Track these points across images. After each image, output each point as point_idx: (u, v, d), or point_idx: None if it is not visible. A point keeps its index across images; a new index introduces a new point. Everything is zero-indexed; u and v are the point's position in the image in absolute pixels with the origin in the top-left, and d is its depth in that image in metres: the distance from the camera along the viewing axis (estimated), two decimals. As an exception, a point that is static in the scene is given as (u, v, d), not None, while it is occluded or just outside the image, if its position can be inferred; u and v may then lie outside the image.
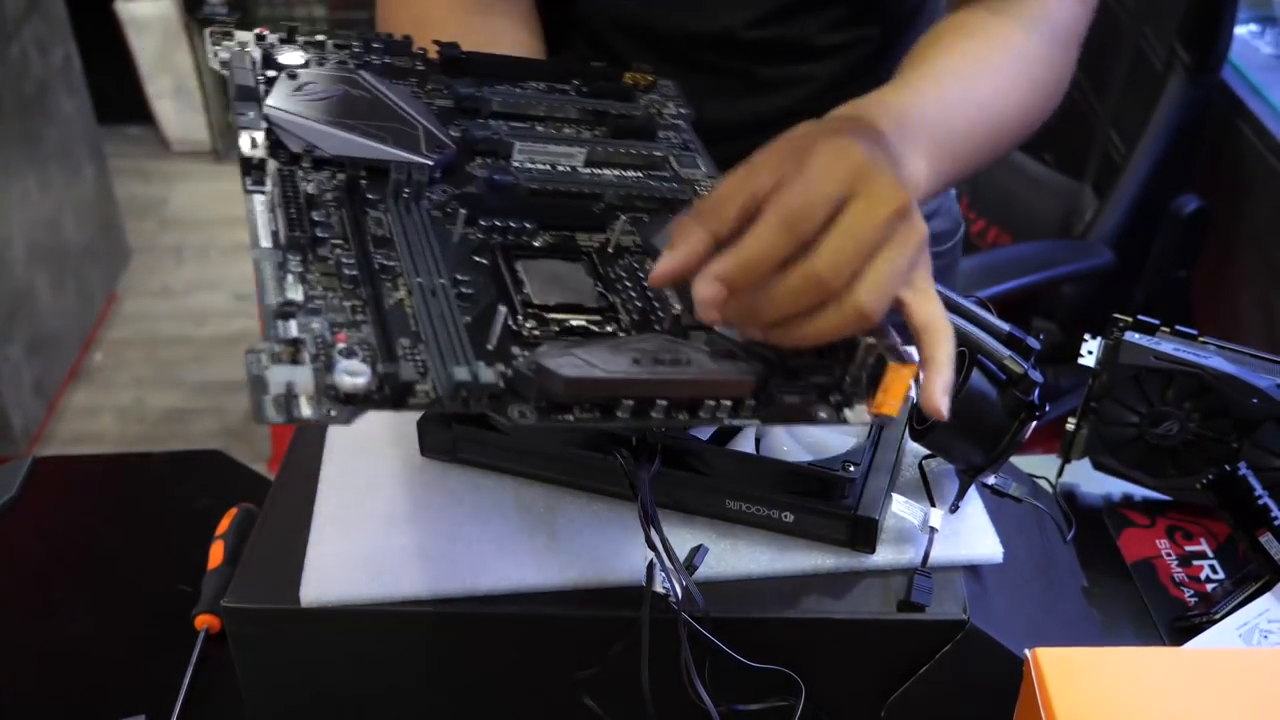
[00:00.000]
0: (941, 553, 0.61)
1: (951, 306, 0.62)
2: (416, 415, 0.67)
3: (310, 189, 0.57)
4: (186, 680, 0.71)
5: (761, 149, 0.56)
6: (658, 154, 0.67)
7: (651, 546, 0.57)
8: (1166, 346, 0.75)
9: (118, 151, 2.94)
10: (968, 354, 0.62)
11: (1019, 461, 0.78)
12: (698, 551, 0.60)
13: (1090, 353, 0.77)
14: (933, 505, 0.63)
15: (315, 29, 0.70)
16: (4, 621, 0.78)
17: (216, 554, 0.77)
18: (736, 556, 0.61)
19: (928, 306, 0.55)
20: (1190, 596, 0.73)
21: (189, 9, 2.92)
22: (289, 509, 0.65)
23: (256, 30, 0.68)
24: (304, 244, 0.54)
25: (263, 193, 0.56)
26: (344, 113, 0.62)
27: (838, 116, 0.61)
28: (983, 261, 1.64)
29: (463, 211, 0.58)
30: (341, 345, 0.48)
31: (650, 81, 0.75)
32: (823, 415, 0.54)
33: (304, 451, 0.69)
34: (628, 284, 0.58)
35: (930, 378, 0.54)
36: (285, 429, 0.70)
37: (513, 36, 0.79)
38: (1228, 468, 0.70)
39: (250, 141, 0.58)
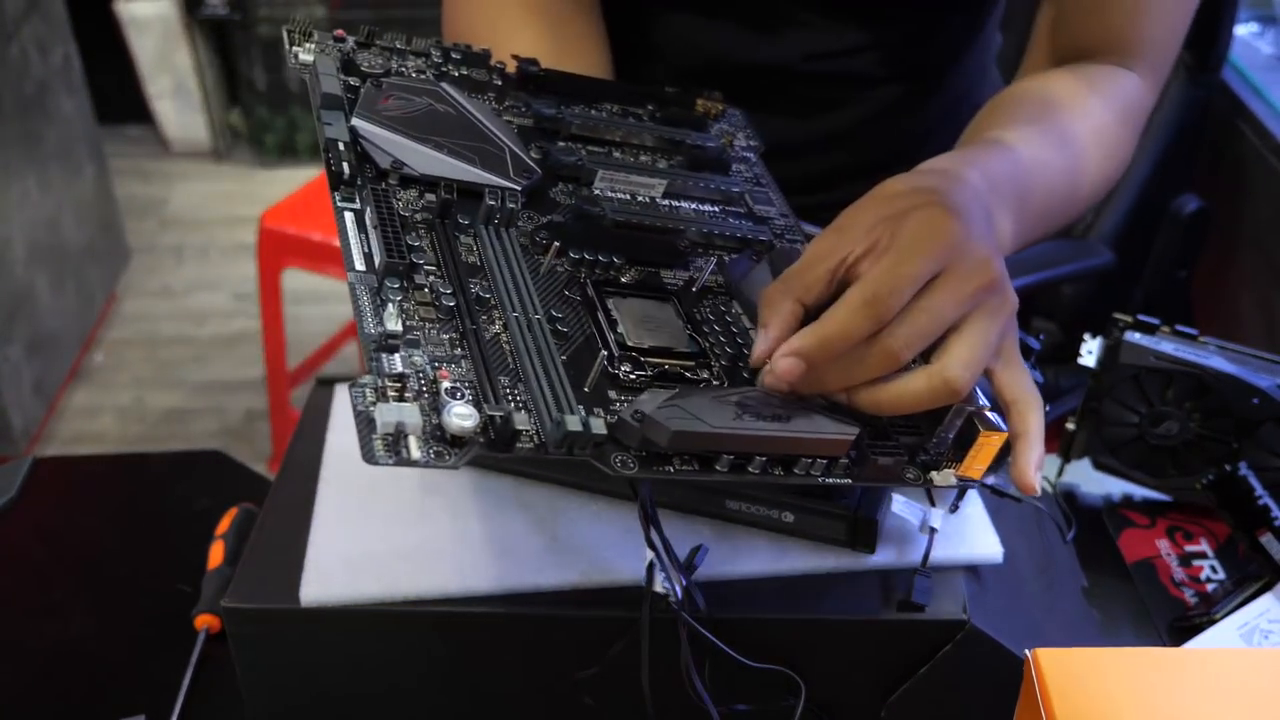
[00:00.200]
0: (941, 553, 0.61)
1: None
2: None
3: (400, 209, 0.56)
4: (186, 680, 0.71)
5: (851, 208, 0.55)
6: (734, 190, 0.67)
7: (651, 546, 0.57)
8: (1166, 346, 0.75)
9: (118, 151, 2.94)
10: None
11: (1019, 461, 0.78)
12: (698, 551, 0.60)
13: (1090, 353, 0.77)
14: (933, 505, 0.63)
15: (392, 34, 0.67)
16: (4, 621, 0.78)
17: (216, 554, 0.77)
18: (736, 556, 0.61)
19: (1017, 378, 0.55)
20: (1190, 596, 0.73)
21: (189, 9, 2.92)
22: (289, 509, 0.65)
23: (335, 32, 0.65)
24: (401, 270, 0.52)
25: (354, 209, 0.54)
26: (430, 129, 0.59)
27: (932, 171, 0.59)
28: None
29: (556, 244, 0.57)
30: (446, 383, 0.47)
31: (720, 110, 0.74)
32: (910, 477, 0.54)
33: (304, 451, 0.69)
34: (716, 328, 0.58)
35: (1022, 451, 0.54)
36: (285, 429, 0.70)
37: (586, 57, 0.78)
38: (1228, 468, 0.70)
39: (340, 153, 0.56)
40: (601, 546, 0.62)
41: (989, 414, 0.54)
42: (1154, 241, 1.68)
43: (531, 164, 0.61)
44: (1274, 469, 0.73)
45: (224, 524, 0.79)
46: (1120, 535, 0.78)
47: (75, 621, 0.77)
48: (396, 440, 0.44)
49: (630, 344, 0.54)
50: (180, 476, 0.91)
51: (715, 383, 0.54)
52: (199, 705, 0.70)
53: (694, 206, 0.65)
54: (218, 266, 2.78)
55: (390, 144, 0.58)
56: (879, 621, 0.59)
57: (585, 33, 0.79)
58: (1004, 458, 0.55)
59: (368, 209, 0.54)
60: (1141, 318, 0.76)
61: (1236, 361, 0.74)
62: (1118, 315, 0.76)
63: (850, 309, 0.51)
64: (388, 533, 0.63)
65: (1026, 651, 0.53)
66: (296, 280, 1.98)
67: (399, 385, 0.46)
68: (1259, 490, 0.69)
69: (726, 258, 0.62)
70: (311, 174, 2.46)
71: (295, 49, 0.64)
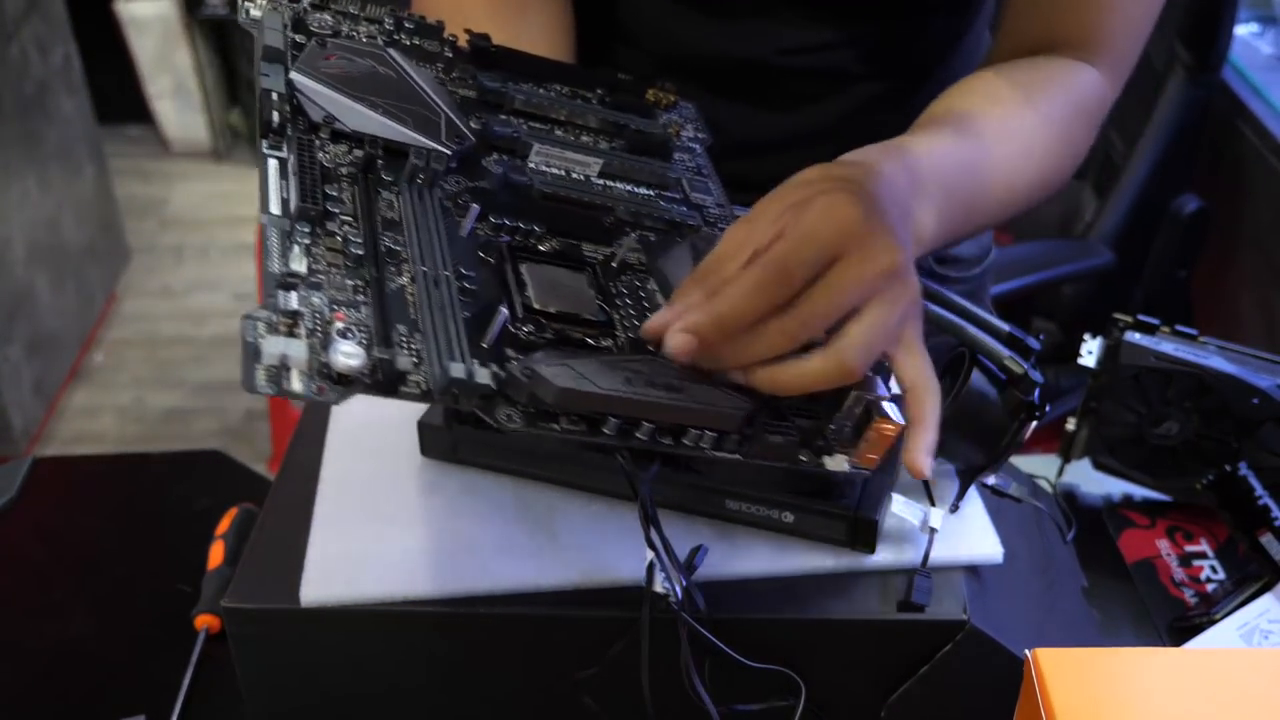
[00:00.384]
0: (941, 553, 0.61)
1: (951, 306, 0.62)
2: (414, 413, 0.67)
3: (325, 161, 0.57)
4: (186, 680, 0.71)
5: (765, 198, 0.56)
6: (671, 175, 0.67)
7: (651, 546, 0.57)
8: (1166, 346, 0.75)
9: (118, 151, 2.94)
10: (968, 354, 0.62)
11: (1019, 461, 0.78)
12: (698, 551, 0.60)
13: (1090, 353, 0.77)
14: (933, 505, 0.63)
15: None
16: (4, 621, 0.78)
17: (216, 554, 0.77)
18: (736, 556, 0.61)
19: (916, 364, 0.55)
20: (1190, 596, 0.73)
21: (189, 9, 2.92)
22: (289, 509, 0.65)
23: None
24: (314, 216, 0.53)
25: (279, 157, 0.56)
26: (368, 89, 0.61)
27: (847, 162, 0.60)
28: (983, 261, 1.64)
29: (475, 206, 0.58)
30: (340, 324, 0.48)
31: (672, 101, 0.74)
32: (803, 459, 0.55)
33: (304, 451, 0.69)
34: (628, 301, 0.58)
35: (915, 437, 0.55)
36: (285, 429, 0.70)
37: (545, 39, 0.78)
38: (1228, 468, 0.70)
39: (272, 103, 0.57)
40: (601, 546, 0.62)
41: (886, 404, 0.55)
42: (1154, 241, 1.68)
43: (466, 132, 0.62)
44: (1274, 469, 0.73)
45: (224, 524, 0.79)
46: (1120, 535, 0.78)
47: (75, 621, 0.77)
48: (279, 372, 0.45)
49: (536, 307, 0.55)
50: (180, 476, 0.91)
51: (617, 352, 0.55)
52: (199, 705, 0.70)
53: (628, 188, 0.65)
54: (218, 266, 2.78)
55: (325, 99, 0.59)
56: (879, 621, 0.59)
57: (548, 18, 0.79)
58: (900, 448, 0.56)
59: (291, 157, 0.56)
60: (1141, 318, 0.76)
61: (1236, 361, 0.74)
62: (1118, 315, 0.76)
63: (744, 289, 0.52)
64: (388, 533, 0.63)
65: (1026, 651, 0.53)
66: (296, 280, 1.98)
67: (290, 322, 0.47)
68: (1259, 490, 0.69)
69: (651, 237, 0.63)
70: (311, 174, 2.45)
71: (246, 4, 0.65)
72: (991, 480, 0.65)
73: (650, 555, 0.57)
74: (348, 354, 0.46)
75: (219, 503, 0.81)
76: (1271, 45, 1.82)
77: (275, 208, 0.53)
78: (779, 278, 0.51)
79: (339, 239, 0.53)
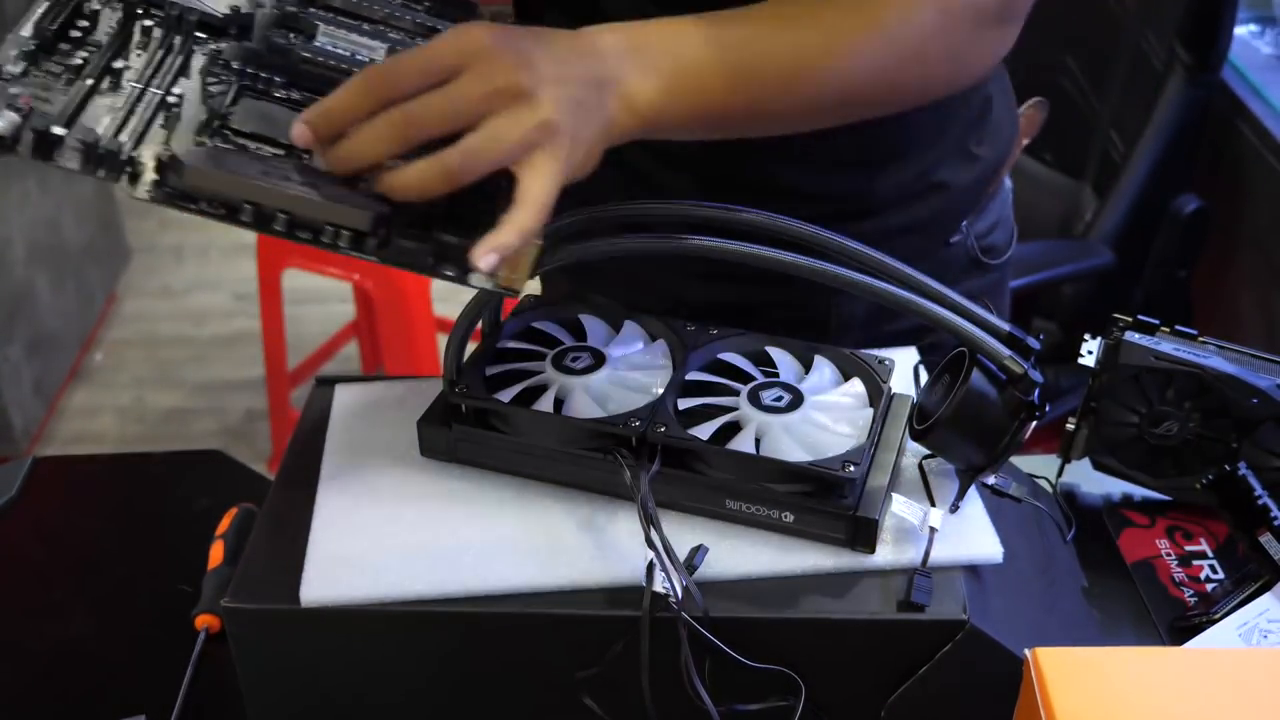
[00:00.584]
0: (941, 553, 0.61)
1: (952, 306, 0.62)
2: (414, 413, 0.67)
3: (96, 4, 0.60)
4: (186, 680, 0.71)
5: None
6: None
7: (651, 546, 0.57)
8: (1166, 346, 0.75)
9: (118, 151, 2.94)
10: (968, 354, 0.62)
11: (1019, 461, 0.78)
12: (698, 551, 0.60)
13: (1090, 353, 0.77)
14: (933, 505, 0.63)
15: None
16: (4, 621, 0.78)
17: (216, 554, 0.77)
18: (736, 556, 0.61)
19: (536, 184, 0.56)
20: (1190, 596, 0.73)
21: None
22: (289, 509, 0.65)
23: None
24: (48, 36, 0.58)
25: None
26: None
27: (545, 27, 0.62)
28: (983, 261, 1.64)
29: (213, 46, 0.61)
30: (21, 105, 0.55)
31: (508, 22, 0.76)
32: (449, 274, 0.57)
33: (304, 451, 0.69)
34: None
35: (489, 235, 0.56)
36: (285, 429, 0.70)
37: None
38: (1228, 468, 0.70)
39: None
40: (601, 546, 0.62)
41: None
42: (1154, 241, 1.68)
43: (252, 6, 0.63)
44: (1273, 469, 0.73)
45: (224, 524, 0.79)
46: (1120, 535, 0.78)
47: (75, 621, 0.77)
48: None
49: (232, 125, 0.58)
50: (180, 476, 0.91)
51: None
52: (199, 705, 0.70)
53: None
54: (218, 266, 2.78)
55: None
56: (879, 621, 0.59)
57: None
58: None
59: None
60: (1141, 318, 0.76)
61: (1236, 361, 0.74)
62: (1118, 315, 0.76)
63: (352, 85, 0.56)
64: (388, 533, 0.63)
65: (1026, 651, 0.53)
66: (296, 280, 1.98)
67: None
68: (1259, 490, 0.69)
69: None
70: (311, 174, 2.45)
71: None
72: (991, 480, 0.65)
73: (650, 555, 0.57)
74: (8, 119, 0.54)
75: (219, 503, 0.81)
76: (1271, 45, 1.82)
77: (27, 30, 0.58)
78: (386, 78, 0.56)
79: (72, 54, 0.58)
